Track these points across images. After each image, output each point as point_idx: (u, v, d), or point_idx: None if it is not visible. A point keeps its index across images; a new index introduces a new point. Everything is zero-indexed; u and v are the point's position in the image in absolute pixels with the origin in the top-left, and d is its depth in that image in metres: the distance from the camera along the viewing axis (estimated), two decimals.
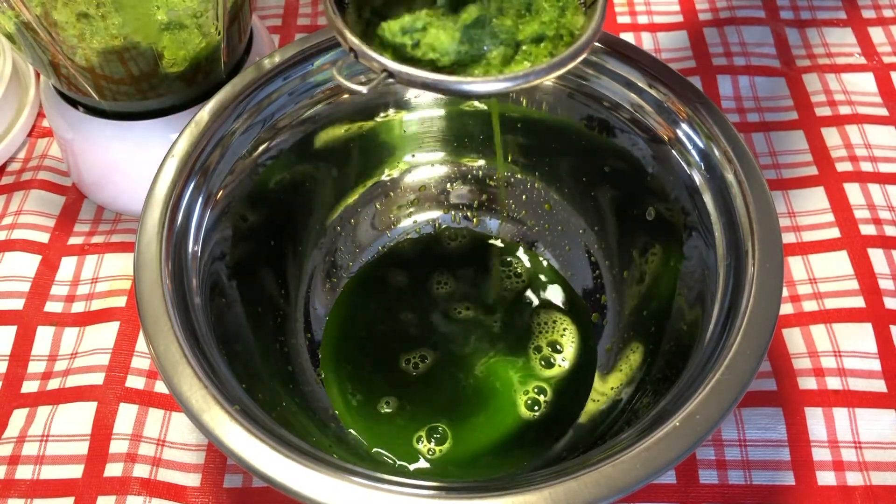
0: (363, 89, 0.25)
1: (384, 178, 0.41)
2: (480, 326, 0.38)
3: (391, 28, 0.26)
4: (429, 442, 0.35)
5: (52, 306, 0.41)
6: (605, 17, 0.27)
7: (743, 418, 0.36)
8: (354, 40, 0.26)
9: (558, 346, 0.37)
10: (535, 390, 0.36)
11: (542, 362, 0.37)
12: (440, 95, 0.38)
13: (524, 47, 0.27)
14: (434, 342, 0.38)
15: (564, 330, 0.38)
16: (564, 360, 0.37)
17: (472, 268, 0.40)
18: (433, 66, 0.26)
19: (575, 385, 0.36)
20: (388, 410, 0.36)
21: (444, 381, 0.37)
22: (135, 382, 0.38)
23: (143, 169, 0.41)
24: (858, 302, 0.39)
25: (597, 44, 0.34)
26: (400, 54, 0.27)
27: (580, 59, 0.27)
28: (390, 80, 0.25)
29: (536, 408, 0.35)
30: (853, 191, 0.43)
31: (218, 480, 0.35)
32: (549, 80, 0.26)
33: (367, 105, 0.38)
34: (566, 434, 0.34)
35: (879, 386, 0.36)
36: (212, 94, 0.33)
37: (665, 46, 0.52)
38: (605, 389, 0.35)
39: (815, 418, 0.36)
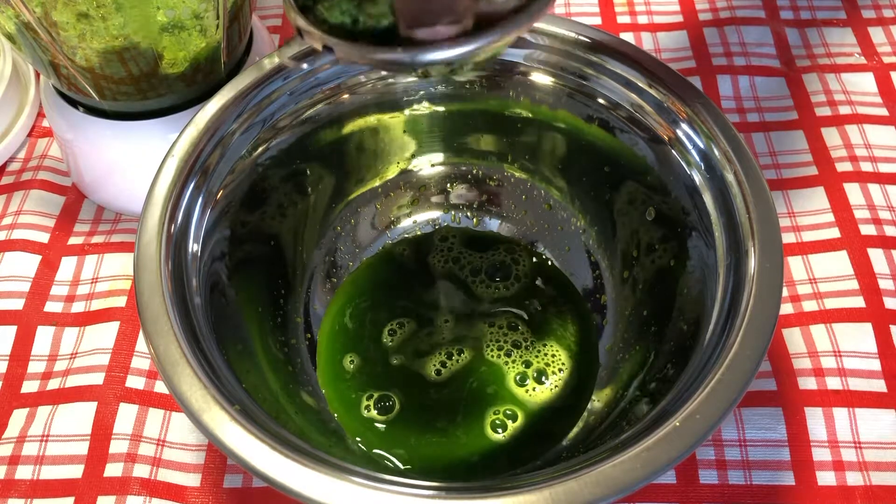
0: (304, 65, 0.25)
1: (384, 177, 0.41)
2: (478, 324, 0.38)
3: (328, 10, 0.26)
4: (374, 408, 0.36)
5: (52, 306, 0.41)
6: None
7: (743, 418, 0.36)
8: (299, 20, 0.25)
9: (557, 349, 0.37)
10: (512, 409, 0.36)
11: (542, 362, 0.37)
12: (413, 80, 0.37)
13: None
14: (430, 339, 0.38)
15: (564, 331, 0.38)
16: (562, 366, 0.37)
17: (470, 267, 0.40)
18: (378, 33, 0.26)
19: (575, 385, 0.36)
20: (351, 367, 0.37)
21: (431, 371, 0.37)
22: (135, 382, 0.38)
23: (143, 169, 0.41)
24: (858, 302, 0.39)
25: (597, 44, 0.34)
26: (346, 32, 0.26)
27: (533, 22, 0.25)
28: (331, 58, 0.25)
29: (502, 430, 0.35)
30: (853, 191, 0.43)
31: (218, 480, 0.35)
32: (500, 48, 0.25)
33: (368, 105, 0.38)
34: (568, 434, 0.34)
35: (879, 386, 0.36)
36: (212, 94, 0.33)
37: (665, 46, 0.52)
38: (605, 389, 0.35)
39: (815, 418, 0.36)
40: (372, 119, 0.38)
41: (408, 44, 0.24)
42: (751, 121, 0.47)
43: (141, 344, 0.39)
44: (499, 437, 0.35)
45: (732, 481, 0.34)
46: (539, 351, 0.37)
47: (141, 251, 0.29)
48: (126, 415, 0.37)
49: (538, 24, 0.34)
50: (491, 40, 0.24)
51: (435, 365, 0.37)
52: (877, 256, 0.40)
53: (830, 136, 0.46)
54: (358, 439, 0.35)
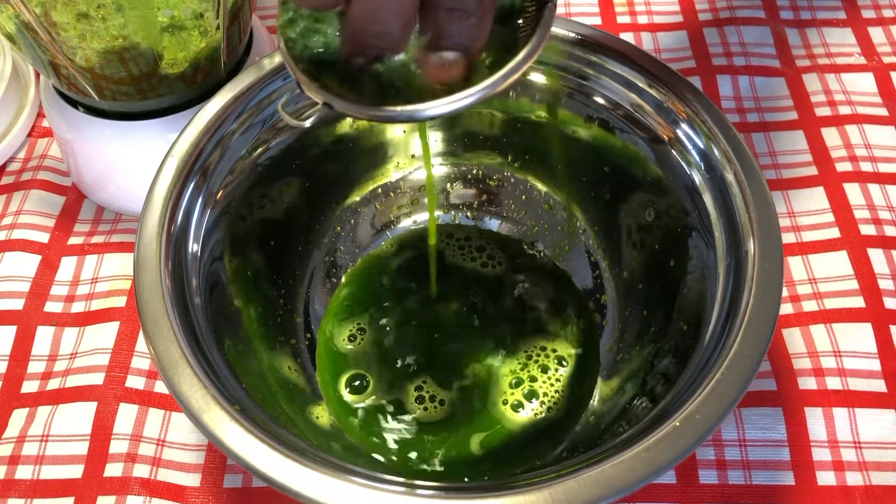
0: (306, 124, 0.26)
1: (384, 178, 0.41)
2: (478, 323, 0.38)
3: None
4: (351, 391, 0.36)
5: (52, 306, 0.41)
6: (551, 25, 0.25)
7: (743, 418, 0.36)
8: (300, 75, 0.26)
9: (557, 348, 0.37)
10: (527, 393, 0.36)
11: (539, 363, 0.37)
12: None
13: None
14: (429, 336, 0.38)
15: (564, 331, 0.38)
16: (563, 363, 0.37)
17: (470, 266, 0.40)
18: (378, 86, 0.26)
19: (576, 385, 0.36)
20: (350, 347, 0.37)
21: (433, 364, 0.37)
22: (135, 382, 0.38)
23: (143, 169, 0.41)
24: (858, 302, 0.39)
25: (597, 44, 0.34)
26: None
27: (521, 71, 0.25)
28: (331, 112, 0.25)
29: (500, 431, 0.35)
30: (853, 191, 0.43)
31: (218, 480, 0.35)
32: (494, 93, 0.25)
33: None
34: (568, 434, 0.34)
35: (879, 386, 0.36)
36: (212, 94, 0.33)
37: (665, 46, 0.52)
38: (605, 389, 0.35)
39: (815, 418, 0.36)
40: (372, 120, 0.38)
41: (406, 100, 0.24)
42: (751, 121, 0.47)
43: (141, 344, 0.39)
44: (498, 436, 0.35)
45: (732, 481, 0.34)
46: (539, 350, 0.37)
47: (141, 251, 0.29)
48: (126, 415, 0.37)
49: None
50: (488, 92, 0.24)
51: (434, 362, 0.37)
52: (877, 256, 0.40)
53: (830, 136, 0.46)
54: (360, 442, 0.35)
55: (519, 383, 0.36)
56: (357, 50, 0.25)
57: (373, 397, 0.36)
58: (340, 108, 0.25)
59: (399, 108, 0.25)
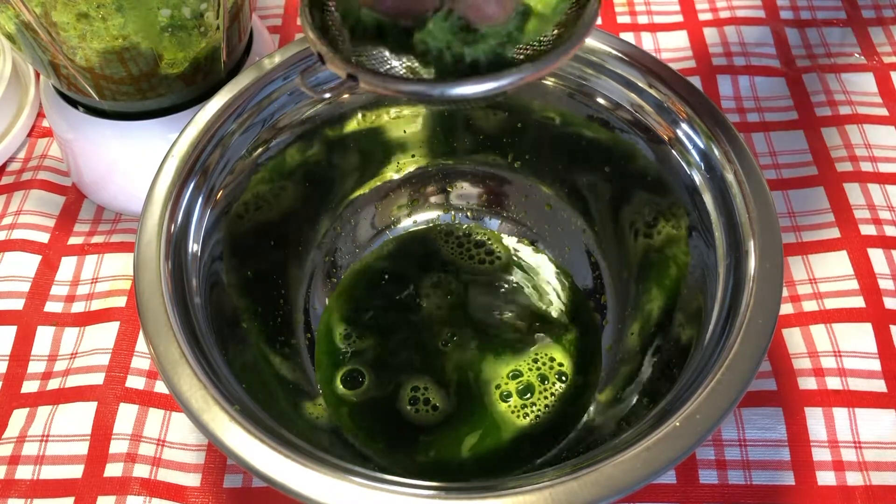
0: (326, 95, 0.25)
1: (384, 178, 0.41)
2: (478, 325, 0.38)
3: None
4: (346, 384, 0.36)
5: (52, 306, 0.41)
6: (598, 15, 0.26)
7: (743, 418, 0.36)
8: (320, 45, 0.25)
9: (557, 349, 0.37)
10: (521, 389, 0.36)
11: (538, 366, 0.37)
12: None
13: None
14: (429, 335, 0.38)
15: (564, 332, 0.38)
16: (562, 366, 0.37)
17: (470, 267, 0.40)
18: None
19: (575, 388, 0.36)
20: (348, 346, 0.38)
21: (434, 363, 0.37)
22: (135, 382, 0.38)
23: (143, 169, 0.41)
24: (858, 302, 0.39)
25: (597, 44, 0.34)
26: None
27: (565, 59, 0.25)
28: (354, 86, 0.24)
29: (504, 433, 0.35)
30: (853, 191, 0.43)
31: (218, 480, 0.35)
32: (528, 81, 0.24)
33: (368, 105, 0.38)
34: (567, 435, 0.34)
35: (879, 386, 0.36)
36: (212, 94, 0.33)
37: (665, 46, 0.52)
38: (605, 389, 0.35)
39: (815, 418, 0.36)
40: (372, 119, 0.38)
41: (437, 76, 0.24)
42: (751, 121, 0.47)
43: (141, 344, 0.39)
44: (495, 435, 0.35)
45: (732, 481, 0.34)
46: (538, 352, 0.37)
47: (141, 251, 0.29)
48: (126, 415, 0.37)
49: None
50: (523, 77, 0.24)
51: (434, 363, 0.37)
52: (877, 256, 0.40)
53: (830, 136, 0.46)
54: (354, 437, 0.35)
55: (517, 376, 0.36)
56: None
57: (369, 393, 0.36)
58: (366, 80, 0.24)
59: (430, 84, 0.24)
